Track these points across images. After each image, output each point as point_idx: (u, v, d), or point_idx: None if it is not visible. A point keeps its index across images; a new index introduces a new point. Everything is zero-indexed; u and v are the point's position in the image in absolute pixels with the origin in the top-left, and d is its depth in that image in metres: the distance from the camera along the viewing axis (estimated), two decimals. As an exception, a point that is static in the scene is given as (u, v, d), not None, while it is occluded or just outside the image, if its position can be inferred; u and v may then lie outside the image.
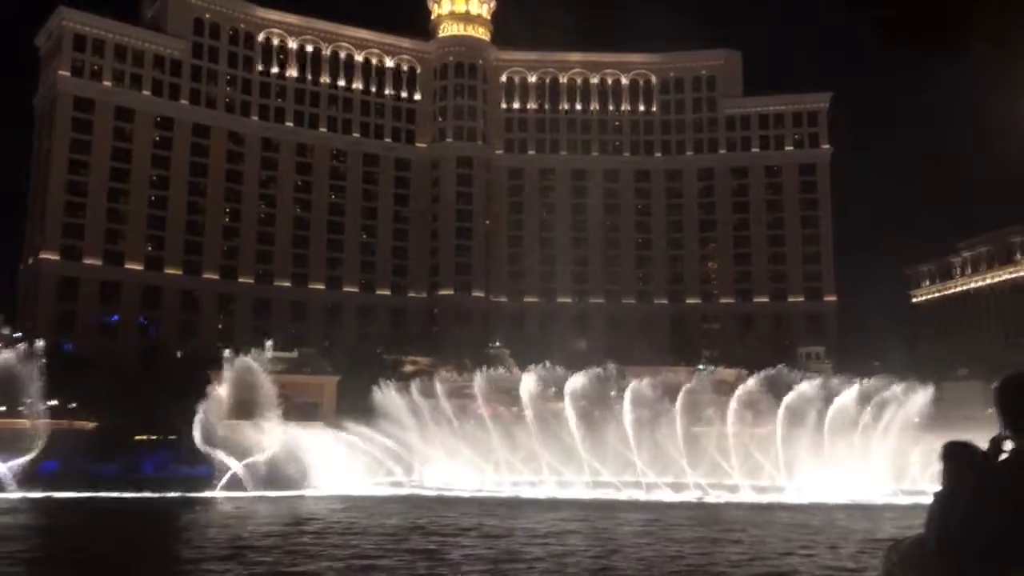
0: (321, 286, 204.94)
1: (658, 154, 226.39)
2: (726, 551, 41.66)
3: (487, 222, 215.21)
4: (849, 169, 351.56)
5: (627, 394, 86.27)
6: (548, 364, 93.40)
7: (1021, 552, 5.48)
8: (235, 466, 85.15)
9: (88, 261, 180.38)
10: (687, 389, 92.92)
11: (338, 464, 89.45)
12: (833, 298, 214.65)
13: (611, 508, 67.31)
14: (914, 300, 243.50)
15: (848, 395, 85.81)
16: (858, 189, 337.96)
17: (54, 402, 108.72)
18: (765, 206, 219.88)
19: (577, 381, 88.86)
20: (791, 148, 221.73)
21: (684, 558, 38.89)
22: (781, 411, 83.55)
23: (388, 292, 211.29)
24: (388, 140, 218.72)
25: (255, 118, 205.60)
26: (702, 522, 55.72)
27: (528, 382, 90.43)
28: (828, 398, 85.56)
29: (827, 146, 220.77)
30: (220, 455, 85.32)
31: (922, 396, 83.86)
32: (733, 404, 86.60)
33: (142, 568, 38.74)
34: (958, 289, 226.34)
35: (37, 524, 57.68)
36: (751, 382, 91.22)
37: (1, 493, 78.15)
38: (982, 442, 6.01)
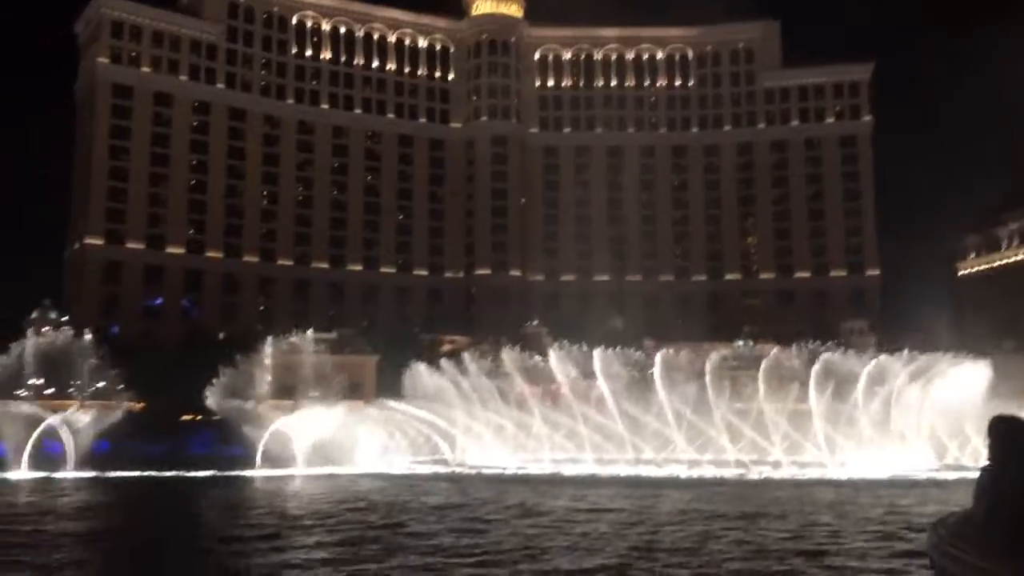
0: (359, 267, 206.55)
1: (695, 129, 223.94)
2: (770, 528, 41.46)
3: (522, 201, 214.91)
4: (892, 140, 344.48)
5: (656, 369, 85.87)
6: (582, 345, 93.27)
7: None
8: (278, 445, 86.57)
9: (131, 245, 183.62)
10: (722, 357, 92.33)
11: (380, 443, 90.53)
12: (876, 272, 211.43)
13: (653, 485, 67.27)
14: (960, 273, 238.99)
15: (891, 368, 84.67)
16: (901, 161, 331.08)
17: (102, 384, 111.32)
18: (805, 180, 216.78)
19: (612, 360, 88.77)
20: (832, 120, 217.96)
21: (727, 535, 38.78)
22: (812, 383, 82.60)
23: (425, 272, 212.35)
24: (422, 120, 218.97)
25: (290, 101, 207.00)
26: (744, 499, 55.50)
27: (561, 361, 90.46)
28: (872, 373, 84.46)
29: (869, 118, 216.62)
30: (261, 434, 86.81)
31: (972, 369, 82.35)
32: (762, 373, 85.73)
33: (200, 545, 39.56)
34: (1005, 261, 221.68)
35: (100, 502, 59.12)
36: (788, 352, 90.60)
37: (57, 473, 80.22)
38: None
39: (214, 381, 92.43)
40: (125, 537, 43.39)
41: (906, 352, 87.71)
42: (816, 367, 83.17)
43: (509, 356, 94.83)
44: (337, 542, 36.75)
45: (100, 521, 48.12)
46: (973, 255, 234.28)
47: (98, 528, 44.70)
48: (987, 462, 6.74)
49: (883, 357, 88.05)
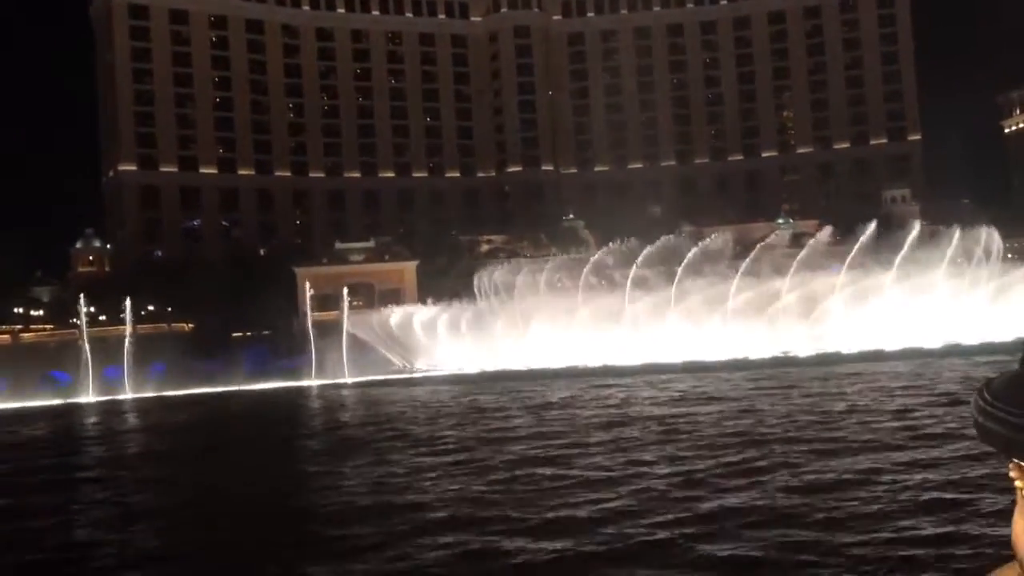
0: (391, 174, 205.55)
1: (724, 1, 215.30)
2: (834, 405, 41.61)
3: (550, 93, 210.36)
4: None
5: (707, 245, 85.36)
6: (625, 240, 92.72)
7: None
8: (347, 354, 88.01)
9: (165, 169, 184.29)
10: (763, 245, 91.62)
11: (453, 344, 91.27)
12: (918, 136, 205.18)
13: (718, 368, 67.70)
14: (1006, 130, 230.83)
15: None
16: (940, 18, 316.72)
17: (151, 307, 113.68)
18: (842, 46, 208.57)
19: (653, 251, 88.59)
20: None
21: (803, 413, 38.99)
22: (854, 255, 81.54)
23: (457, 174, 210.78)
24: (442, 17, 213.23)
25: (307, 8, 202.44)
26: (812, 376, 55.71)
27: (603, 257, 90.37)
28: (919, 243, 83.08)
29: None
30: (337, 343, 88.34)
31: None
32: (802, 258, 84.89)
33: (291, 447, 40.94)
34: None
35: (172, 421, 61.06)
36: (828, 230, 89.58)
37: (120, 395, 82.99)
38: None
39: None
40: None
41: (956, 235, 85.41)
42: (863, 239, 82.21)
43: (555, 261, 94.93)
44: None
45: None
46: (1018, 111, 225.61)
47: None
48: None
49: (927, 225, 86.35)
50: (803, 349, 77.81)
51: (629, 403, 49.12)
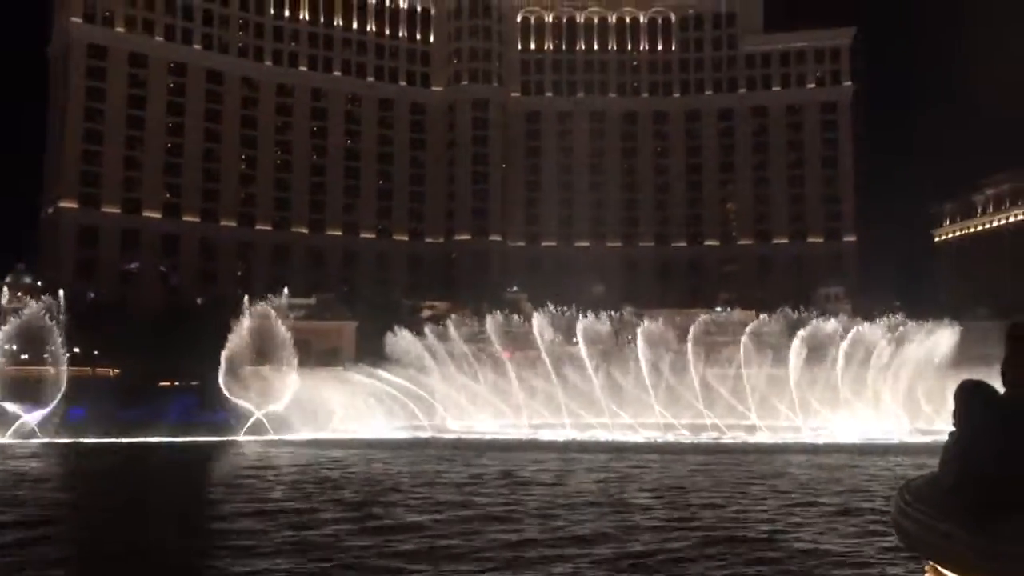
0: (338, 232, 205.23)
1: (676, 94, 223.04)
2: (748, 494, 41.97)
3: (504, 166, 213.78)
4: (872, 107, 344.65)
5: (639, 334, 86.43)
6: (564, 310, 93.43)
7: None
8: (257, 412, 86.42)
9: (107, 209, 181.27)
10: (701, 321, 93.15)
11: (359, 408, 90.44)
12: (853, 238, 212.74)
13: (630, 450, 67.87)
14: (936, 239, 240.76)
15: (867, 335, 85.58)
16: (880, 127, 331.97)
17: (76, 350, 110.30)
18: (786, 146, 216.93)
19: (592, 325, 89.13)
20: (812, 86, 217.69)
21: (718, 505, 39.22)
22: (795, 348, 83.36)
23: (405, 237, 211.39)
24: (403, 84, 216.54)
25: (269, 63, 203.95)
26: (722, 463, 56.16)
27: (542, 325, 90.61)
28: (847, 338, 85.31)
29: (849, 83, 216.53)
30: (242, 402, 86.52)
31: (946, 336, 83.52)
32: (745, 339, 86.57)
33: (180, 513, 39.57)
34: (981, 227, 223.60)
35: (70, 470, 58.90)
36: (766, 319, 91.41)
37: (31, 440, 79.72)
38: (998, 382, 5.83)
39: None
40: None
41: (884, 320, 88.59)
42: (801, 333, 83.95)
43: (492, 322, 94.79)
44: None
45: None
46: (948, 221, 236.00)
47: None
48: (953, 427, 6.73)
49: (864, 326, 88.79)
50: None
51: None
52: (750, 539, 29.67)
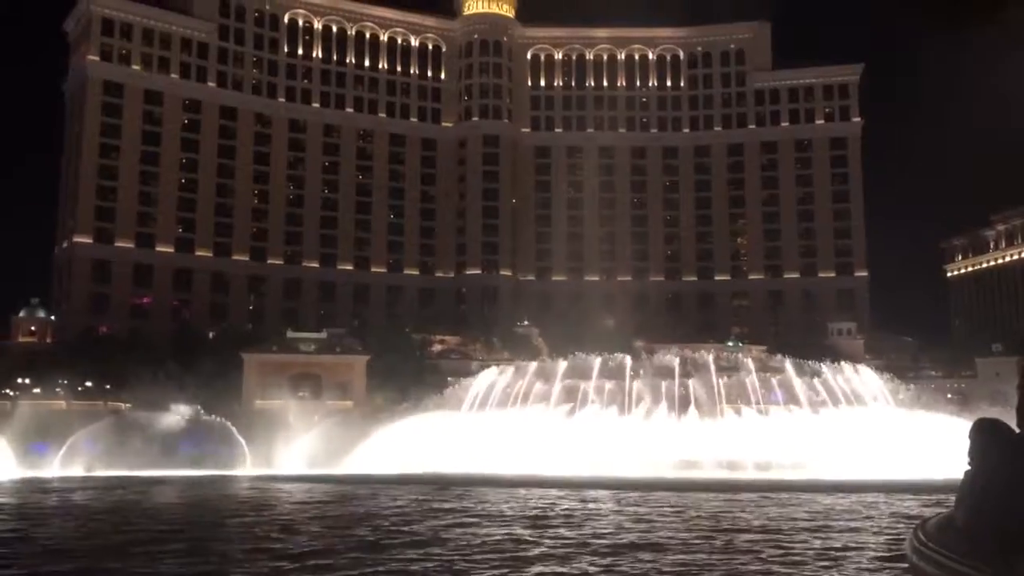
0: (350, 267, 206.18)
1: (686, 130, 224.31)
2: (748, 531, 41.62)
3: (514, 201, 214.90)
4: (882, 142, 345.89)
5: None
6: (577, 354, 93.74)
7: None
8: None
9: (120, 244, 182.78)
10: (712, 360, 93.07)
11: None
12: (864, 273, 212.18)
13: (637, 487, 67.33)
14: (948, 274, 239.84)
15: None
16: (891, 162, 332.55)
17: (88, 384, 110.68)
18: (795, 181, 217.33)
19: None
20: (822, 122, 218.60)
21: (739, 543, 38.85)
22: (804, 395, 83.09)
23: (416, 272, 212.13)
24: (414, 120, 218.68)
25: (282, 100, 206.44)
26: (743, 501, 55.66)
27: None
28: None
29: (858, 119, 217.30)
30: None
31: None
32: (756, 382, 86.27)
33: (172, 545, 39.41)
34: (993, 263, 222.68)
35: (85, 505, 58.79)
36: (783, 363, 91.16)
37: (42, 473, 79.74)
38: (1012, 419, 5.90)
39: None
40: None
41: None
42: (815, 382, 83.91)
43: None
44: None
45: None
46: (960, 256, 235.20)
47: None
48: (968, 465, 6.77)
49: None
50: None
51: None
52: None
